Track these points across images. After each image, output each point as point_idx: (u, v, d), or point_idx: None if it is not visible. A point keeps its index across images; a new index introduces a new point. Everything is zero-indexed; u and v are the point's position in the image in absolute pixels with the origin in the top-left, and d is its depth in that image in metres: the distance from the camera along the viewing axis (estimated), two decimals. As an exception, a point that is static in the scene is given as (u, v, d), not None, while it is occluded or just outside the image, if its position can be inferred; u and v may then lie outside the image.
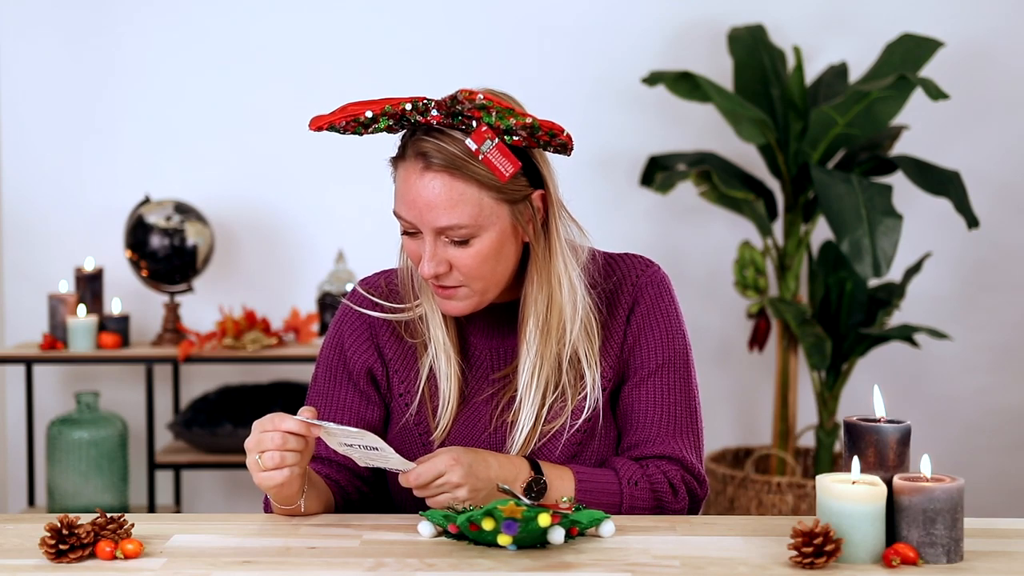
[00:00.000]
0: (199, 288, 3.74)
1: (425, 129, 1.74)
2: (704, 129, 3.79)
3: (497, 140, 1.71)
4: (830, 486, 1.52)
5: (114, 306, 3.60)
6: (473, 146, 1.71)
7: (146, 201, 3.61)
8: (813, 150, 3.45)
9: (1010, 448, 3.86)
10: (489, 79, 3.67)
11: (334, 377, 1.89)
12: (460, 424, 1.85)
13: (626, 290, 1.87)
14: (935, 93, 3.27)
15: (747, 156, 3.76)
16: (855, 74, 3.70)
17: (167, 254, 3.54)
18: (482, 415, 1.84)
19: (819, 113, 3.38)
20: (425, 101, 1.72)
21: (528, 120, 1.71)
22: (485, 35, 3.80)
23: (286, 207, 3.84)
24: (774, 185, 3.75)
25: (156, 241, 3.53)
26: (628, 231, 3.81)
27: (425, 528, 1.64)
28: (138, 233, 3.55)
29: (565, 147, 1.73)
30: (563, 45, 3.80)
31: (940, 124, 3.76)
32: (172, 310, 3.60)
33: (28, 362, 3.52)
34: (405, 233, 1.78)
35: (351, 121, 1.74)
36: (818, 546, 1.47)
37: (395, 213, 1.78)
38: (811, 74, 3.71)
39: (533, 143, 1.73)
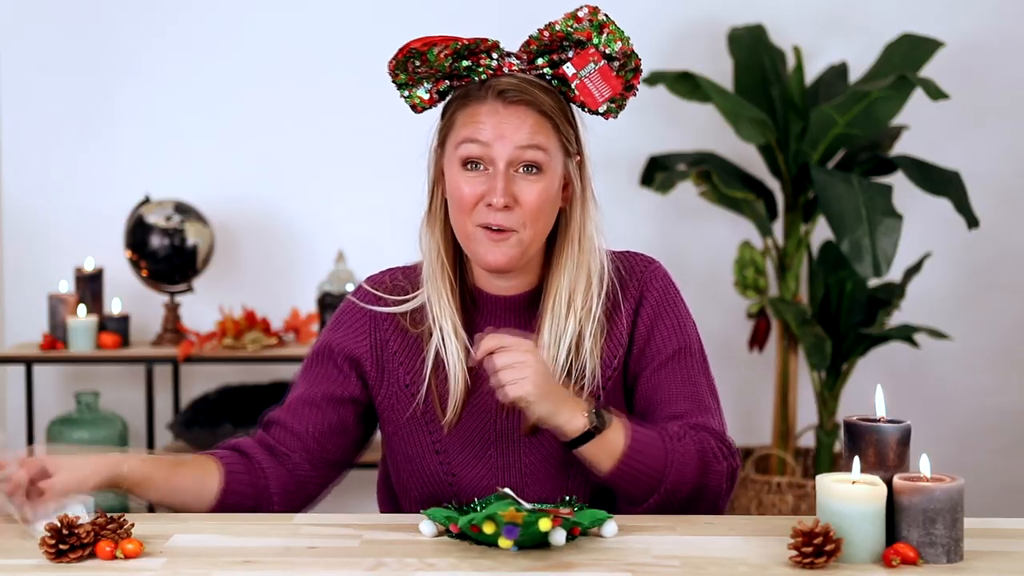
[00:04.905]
0: (199, 288, 3.74)
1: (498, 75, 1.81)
2: (704, 129, 3.79)
3: (603, 63, 1.79)
4: (830, 486, 1.51)
5: (114, 306, 3.60)
6: (571, 70, 1.78)
7: (146, 201, 3.61)
8: (813, 150, 3.45)
9: (1010, 448, 3.86)
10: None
11: (318, 356, 1.91)
12: (468, 412, 1.84)
13: (631, 284, 1.88)
14: (935, 93, 3.27)
15: (747, 156, 3.76)
16: (855, 74, 3.70)
17: (167, 254, 3.54)
18: (490, 404, 1.84)
19: (819, 113, 3.38)
20: (501, 47, 1.82)
21: (631, 48, 1.80)
22: (484, 35, 3.79)
23: (286, 207, 3.84)
24: (774, 185, 3.75)
25: (156, 241, 3.53)
26: (628, 231, 3.80)
27: (426, 527, 1.64)
28: (138, 233, 3.55)
29: (632, 87, 1.84)
30: (563, 45, 3.80)
31: (940, 124, 3.76)
32: (172, 310, 3.60)
33: (28, 362, 3.52)
34: (467, 167, 1.79)
35: (414, 54, 1.78)
36: (818, 546, 1.47)
37: (461, 143, 1.78)
38: (811, 74, 3.71)
39: (618, 77, 1.81)
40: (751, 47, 3.60)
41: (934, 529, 1.50)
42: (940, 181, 3.40)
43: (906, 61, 3.45)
